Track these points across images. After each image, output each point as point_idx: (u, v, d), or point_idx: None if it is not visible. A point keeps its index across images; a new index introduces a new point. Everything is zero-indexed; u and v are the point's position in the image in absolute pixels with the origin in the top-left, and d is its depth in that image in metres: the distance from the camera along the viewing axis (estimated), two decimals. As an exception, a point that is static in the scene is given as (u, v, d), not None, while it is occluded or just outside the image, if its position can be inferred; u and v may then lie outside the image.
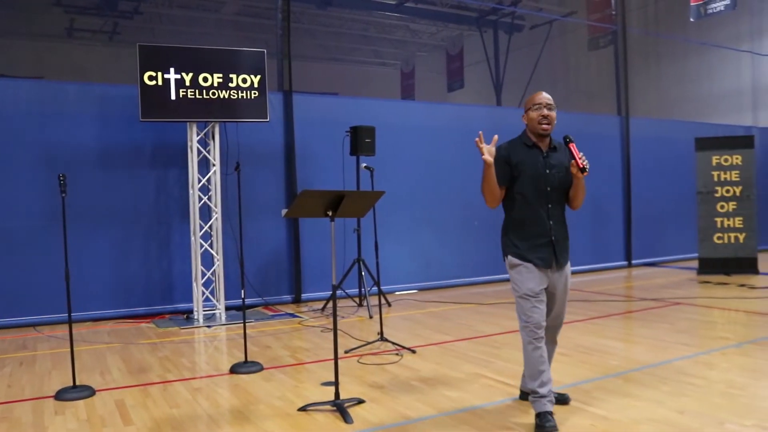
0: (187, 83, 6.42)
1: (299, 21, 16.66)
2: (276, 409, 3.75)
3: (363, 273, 7.16)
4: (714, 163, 9.26)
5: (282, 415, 3.64)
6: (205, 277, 6.79)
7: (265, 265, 7.58)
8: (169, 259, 7.07)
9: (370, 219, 6.90)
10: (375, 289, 6.90)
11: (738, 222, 9.19)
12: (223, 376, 4.54)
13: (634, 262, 10.68)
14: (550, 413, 3.27)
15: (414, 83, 21.02)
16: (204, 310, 6.71)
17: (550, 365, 3.45)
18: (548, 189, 3.38)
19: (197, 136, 6.72)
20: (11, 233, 6.37)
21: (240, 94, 6.66)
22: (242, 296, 4.96)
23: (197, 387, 4.28)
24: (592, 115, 11.47)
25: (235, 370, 4.63)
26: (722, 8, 10.85)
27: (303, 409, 3.71)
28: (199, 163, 6.79)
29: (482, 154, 3.23)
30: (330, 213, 3.79)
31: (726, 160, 9.22)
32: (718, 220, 9.26)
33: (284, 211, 7.12)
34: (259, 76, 6.72)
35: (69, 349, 4.32)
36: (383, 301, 6.98)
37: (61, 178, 4.21)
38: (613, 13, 11.80)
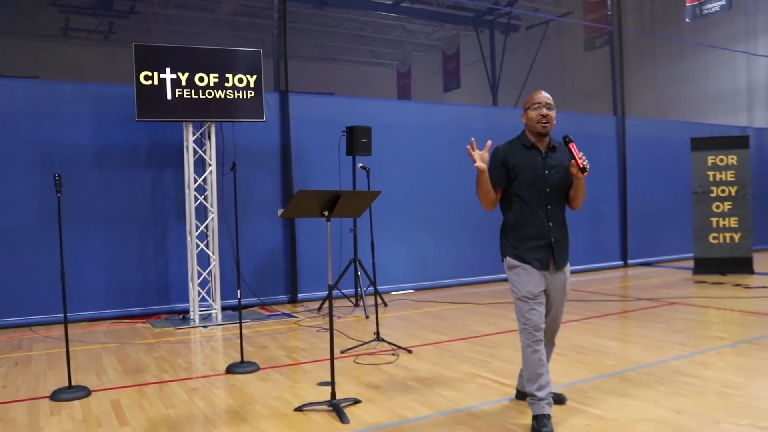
0: (183, 83, 6.41)
1: (295, 21, 16.62)
2: (272, 409, 3.75)
3: (359, 273, 7.15)
4: (709, 163, 9.29)
5: (278, 415, 3.64)
6: (201, 277, 6.79)
7: (262, 265, 7.57)
8: (165, 259, 7.06)
9: (367, 219, 6.91)
10: (371, 289, 6.90)
11: (733, 222, 9.21)
12: (220, 376, 4.54)
13: (630, 261, 10.70)
14: (548, 416, 3.25)
15: (410, 83, 21.02)
16: (200, 310, 6.70)
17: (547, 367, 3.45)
18: (547, 190, 3.34)
19: (193, 136, 6.71)
20: (6, 233, 6.35)
21: (236, 94, 6.65)
22: (238, 296, 4.95)
23: (193, 387, 4.28)
24: (588, 115, 11.48)
25: (231, 370, 4.62)
26: (717, 9, 10.90)
27: (299, 409, 3.71)
28: (195, 163, 6.78)
29: (474, 162, 3.20)
30: (326, 213, 3.79)
31: (721, 160, 9.25)
32: (714, 220, 9.29)
33: (280, 211, 7.13)
34: (255, 76, 6.72)
35: (64, 350, 4.31)
36: (379, 301, 6.98)
37: (57, 178, 4.19)
38: (609, 13, 11.81)
